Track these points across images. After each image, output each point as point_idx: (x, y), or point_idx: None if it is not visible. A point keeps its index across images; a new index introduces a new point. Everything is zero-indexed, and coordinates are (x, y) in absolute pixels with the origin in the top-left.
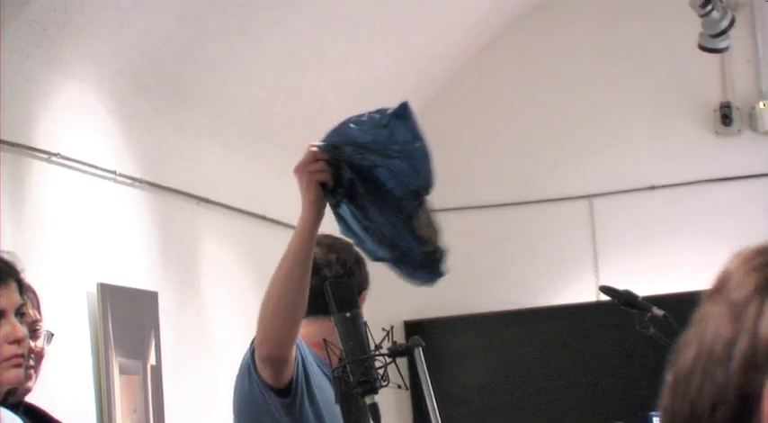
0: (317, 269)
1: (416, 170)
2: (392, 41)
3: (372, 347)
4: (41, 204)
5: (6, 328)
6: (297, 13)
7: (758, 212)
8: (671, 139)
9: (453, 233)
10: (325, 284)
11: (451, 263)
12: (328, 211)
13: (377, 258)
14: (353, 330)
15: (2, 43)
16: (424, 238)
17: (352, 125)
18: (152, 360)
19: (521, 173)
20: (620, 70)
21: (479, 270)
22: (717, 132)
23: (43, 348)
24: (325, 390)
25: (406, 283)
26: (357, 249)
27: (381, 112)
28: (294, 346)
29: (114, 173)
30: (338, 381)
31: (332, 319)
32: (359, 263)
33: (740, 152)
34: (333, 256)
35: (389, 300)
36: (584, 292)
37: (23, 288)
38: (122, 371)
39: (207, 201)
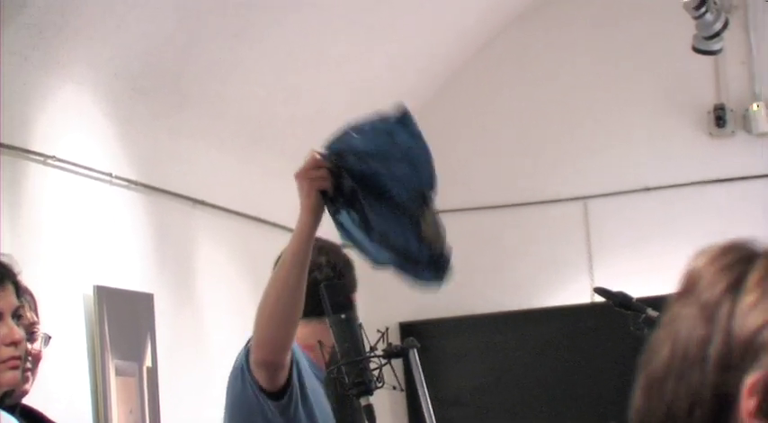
0: (308, 271)
1: (418, 173)
2: (391, 41)
3: (367, 349)
4: (38, 207)
5: (3, 331)
6: (296, 13)
7: (753, 214)
8: (665, 141)
9: (448, 234)
10: (321, 286)
11: None
12: (326, 215)
13: (380, 263)
14: (349, 332)
15: None
16: (429, 241)
17: (354, 134)
18: (148, 362)
19: (517, 174)
20: (616, 72)
21: (474, 272)
22: (711, 134)
23: (40, 350)
24: (316, 391)
25: (401, 285)
26: (346, 252)
27: (381, 117)
28: (290, 351)
29: (110, 175)
30: (333, 382)
31: (326, 320)
32: (348, 265)
33: (734, 154)
34: (323, 259)
35: (384, 301)
36: (578, 293)
37: (20, 290)
38: (118, 373)
39: (202, 203)
